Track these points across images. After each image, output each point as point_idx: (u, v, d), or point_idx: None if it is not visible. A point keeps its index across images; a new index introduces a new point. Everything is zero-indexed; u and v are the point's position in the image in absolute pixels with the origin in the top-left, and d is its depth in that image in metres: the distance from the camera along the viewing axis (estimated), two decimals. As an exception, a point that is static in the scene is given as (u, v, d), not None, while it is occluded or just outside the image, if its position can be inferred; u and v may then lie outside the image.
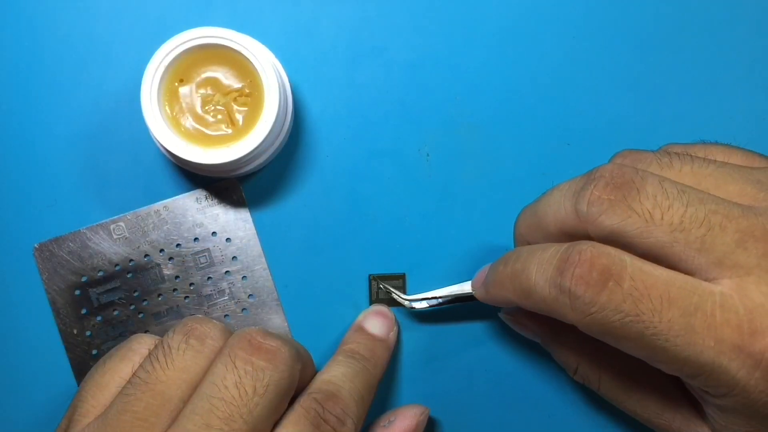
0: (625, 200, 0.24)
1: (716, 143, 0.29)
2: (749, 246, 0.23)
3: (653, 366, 0.25)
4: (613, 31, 0.34)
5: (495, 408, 0.34)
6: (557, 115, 0.34)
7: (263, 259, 0.34)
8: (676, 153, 0.27)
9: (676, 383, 0.28)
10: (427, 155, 0.34)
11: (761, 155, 0.28)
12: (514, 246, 0.31)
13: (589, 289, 0.23)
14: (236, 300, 0.34)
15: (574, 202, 0.25)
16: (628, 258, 0.24)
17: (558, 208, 0.26)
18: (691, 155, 0.27)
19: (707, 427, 0.26)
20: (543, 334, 0.31)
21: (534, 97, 0.34)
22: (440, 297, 0.33)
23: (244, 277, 0.34)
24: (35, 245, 0.33)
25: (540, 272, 0.25)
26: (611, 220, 0.24)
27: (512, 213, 0.34)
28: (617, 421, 0.34)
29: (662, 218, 0.24)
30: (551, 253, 0.25)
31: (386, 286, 0.33)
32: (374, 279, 0.34)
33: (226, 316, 0.34)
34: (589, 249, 0.24)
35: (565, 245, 0.25)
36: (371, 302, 0.34)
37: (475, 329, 0.34)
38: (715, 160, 0.26)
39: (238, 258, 0.34)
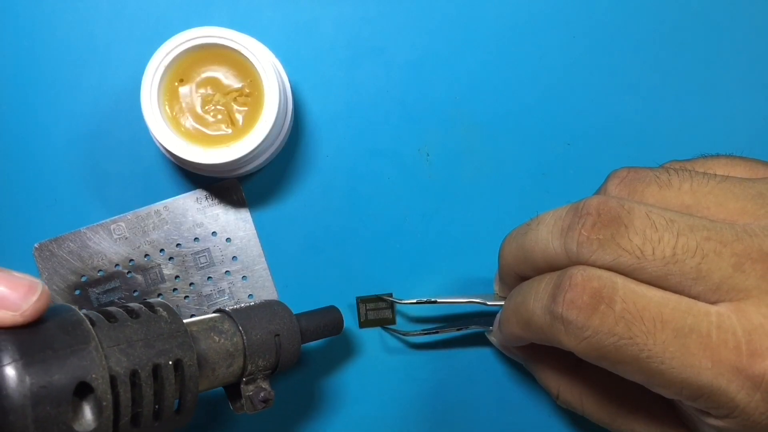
0: (614, 239, 0.24)
1: (718, 155, 0.28)
2: (746, 268, 0.23)
3: (653, 391, 0.24)
4: (613, 32, 0.34)
5: (495, 408, 0.34)
6: (557, 115, 0.34)
7: (263, 259, 0.34)
8: (674, 169, 0.26)
9: (663, 404, 0.27)
10: (427, 155, 0.34)
11: (765, 163, 0.27)
12: (498, 272, 0.30)
13: (581, 313, 0.23)
14: (236, 300, 0.34)
15: (563, 242, 0.25)
16: (620, 280, 0.23)
17: (546, 245, 0.26)
18: (689, 171, 0.26)
19: None
20: (525, 358, 0.31)
21: (534, 97, 0.34)
22: (438, 323, 0.34)
23: (244, 277, 0.34)
24: (35, 245, 0.33)
25: (537, 301, 0.25)
26: (603, 260, 0.24)
27: (512, 213, 0.34)
28: (617, 421, 0.34)
29: (653, 253, 0.23)
30: (546, 281, 0.25)
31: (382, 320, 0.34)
32: (362, 302, 0.33)
33: (226, 316, 0.34)
34: (579, 273, 0.24)
35: (558, 272, 0.25)
36: (360, 325, 0.34)
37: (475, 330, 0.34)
38: (716, 175, 0.26)
39: (238, 258, 0.34)
